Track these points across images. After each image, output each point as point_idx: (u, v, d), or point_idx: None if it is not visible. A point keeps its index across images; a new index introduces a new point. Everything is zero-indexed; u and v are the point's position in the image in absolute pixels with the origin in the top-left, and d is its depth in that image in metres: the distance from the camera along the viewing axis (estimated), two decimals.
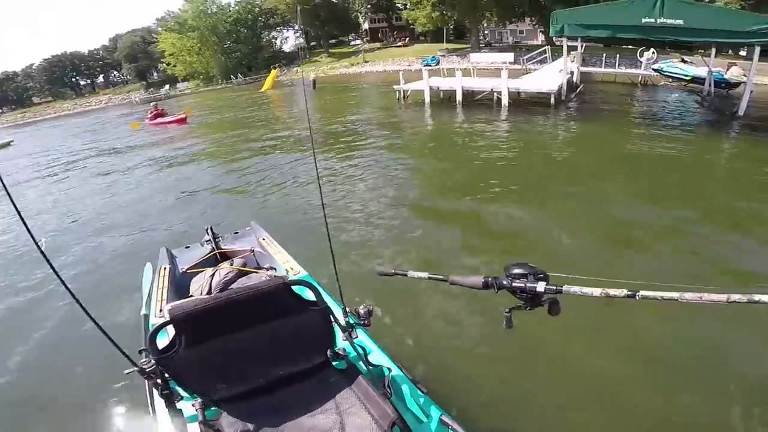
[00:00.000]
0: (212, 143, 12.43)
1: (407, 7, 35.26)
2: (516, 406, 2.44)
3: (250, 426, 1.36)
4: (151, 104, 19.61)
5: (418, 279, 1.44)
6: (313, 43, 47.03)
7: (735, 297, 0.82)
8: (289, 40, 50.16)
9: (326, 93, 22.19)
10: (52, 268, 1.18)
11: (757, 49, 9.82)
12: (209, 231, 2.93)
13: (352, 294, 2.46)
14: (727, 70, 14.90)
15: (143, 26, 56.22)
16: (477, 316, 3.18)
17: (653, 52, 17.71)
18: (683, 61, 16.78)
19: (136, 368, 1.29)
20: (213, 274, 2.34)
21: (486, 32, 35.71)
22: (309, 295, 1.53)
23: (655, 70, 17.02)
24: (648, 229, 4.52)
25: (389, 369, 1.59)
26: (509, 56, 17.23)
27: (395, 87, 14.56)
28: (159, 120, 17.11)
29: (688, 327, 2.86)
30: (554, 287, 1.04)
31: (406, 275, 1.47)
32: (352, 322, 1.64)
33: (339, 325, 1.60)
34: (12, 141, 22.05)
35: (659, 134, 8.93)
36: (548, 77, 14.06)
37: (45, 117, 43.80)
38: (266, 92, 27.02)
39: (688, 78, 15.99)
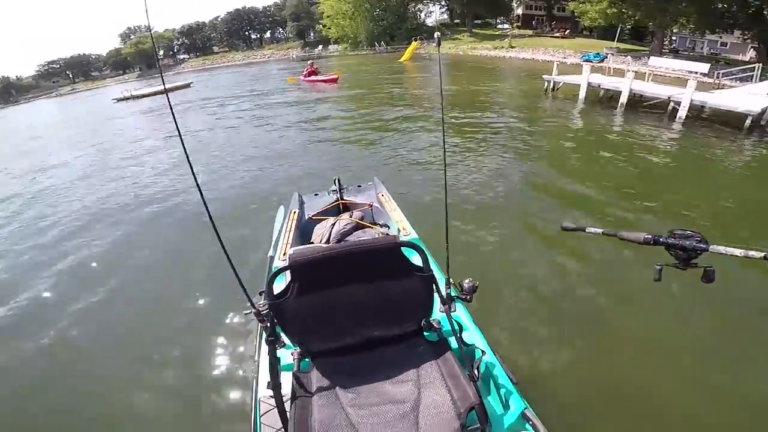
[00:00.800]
0: (354, 103, 13.43)
1: None
2: (604, 414, 2.29)
3: (334, 383, 1.38)
4: (308, 62, 21.79)
5: (594, 235, 1.43)
6: (456, 21, 46.14)
7: None
8: (434, 14, 50.08)
9: (462, 70, 21.77)
10: (205, 205, 1.25)
11: None
12: (336, 182, 3.08)
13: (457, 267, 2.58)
14: None
15: None
16: (578, 312, 3.09)
17: None
18: None
19: (253, 309, 1.32)
20: (334, 224, 2.46)
21: (674, 38, 30.19)
22: (416, 260, 1.49)
23: None
24: None
25: (482, 351, 1.51)
26: (703, 67, 14.37)
27: (545, 77, 13.59)
28: (313, 78, 18.95)
29: None
30: (702, 245, 1.10)
31: (584, 230, 1.46)
32: (453, 294, 1.55)
33: (440, 295, 1.53)
34: (192, 83, 27.06)
35: None
36: (749, 97, 11.34)
37: (220, 65, 52.61)
38: (404, 63, 27.69)
39: None
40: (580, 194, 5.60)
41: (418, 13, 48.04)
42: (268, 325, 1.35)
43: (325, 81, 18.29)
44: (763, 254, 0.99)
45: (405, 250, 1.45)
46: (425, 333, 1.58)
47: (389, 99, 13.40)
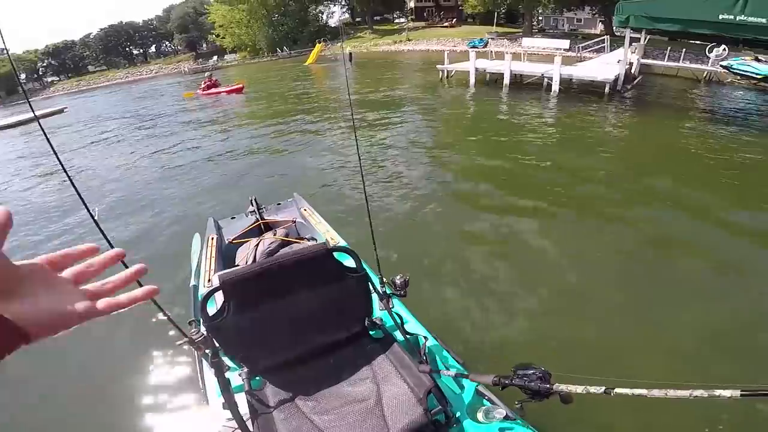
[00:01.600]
0: (262, 112, 12.91)
1: None
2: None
3: (291, 395, 1.38)
4: (206, 74, 19.95)
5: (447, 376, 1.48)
6: (357, 19, 46.75)
7: (697, 393, 0.90)
8: (335, 14, 50.04)
9: (367, 69, 22.17)
10: (106, 238, 1.22)
11: None
12: (253, 202, 2.98)
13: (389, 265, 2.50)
14: None
15: None
16: (506, 284, 3.36)
17: (724, 49, 16.34)
18: (757, 59, 15.41)
19: (186, 339, 1.30)
20: (257, 244, 2.39)
21: (540, 18, 34.10)
22: (349, 263, 1.53)
23: (723, 66, 15.76)
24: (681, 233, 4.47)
25: (425, 338, 1.60)
26: (564, 43, 16.47)
27: (438, 66, 14.39)
28: (213, 90, 17.45)
29: None
30: (546, 385, 1.13)
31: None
32: (388, 292, 1.64)
33: (377, 293, 1.60)
34: (65, 108, 23.08)
35: (722, 133, 8.37)
36: (605, 66, 13.37)
37: (99, 85, 46.22)
38: (310, 66, 27.34)
39: (759, 77, 14.72)
40: (487, 171, 6.14)
41: (320, 14, 47.61)
42: (207, 351, 1.32)
43: (229, 92, 16.94)
44: (603, 388, 1.03)
45: (337, 255, 1.48)
46: (371, 332, 1.63)
47: (299, 105, 13.03)
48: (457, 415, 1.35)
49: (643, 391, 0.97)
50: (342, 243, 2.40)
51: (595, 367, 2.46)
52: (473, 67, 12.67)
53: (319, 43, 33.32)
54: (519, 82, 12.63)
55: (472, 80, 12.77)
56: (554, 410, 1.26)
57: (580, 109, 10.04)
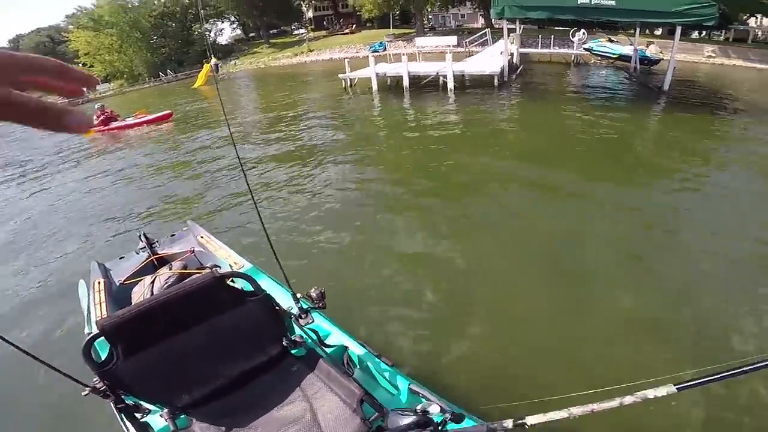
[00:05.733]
0: (146, 145, 11.21)
1: None
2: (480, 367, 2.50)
3: (223, 428, 1.33)
4: (96, 106, 15.26)
5: None
6: (252, 34, 44.61)
7: (627, 400, 0.85)
8: (225, 32, 47.22)
9: (268, 84, 21.09)
10: None
11: (679, 29, 10.65)
12: (143, 237, 2.83)
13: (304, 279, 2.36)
14: (647, 48, 16.11)
15: (51, 24, 50.13)
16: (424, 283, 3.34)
17: (584, 33, 18.72)
18: (610, 40, 17.91)
19: (88, 388, 1.25)
20: (153, 281, 2.29)
21: (430, 17, 35.93)
22: (251, 286, 1.50)
23: (585, 49, 18.02)
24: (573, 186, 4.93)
25: (346, 347, 1.62)
26: (452, 39, 17.35)
27: (340, 76, 14.03)
28: (117, 124, 13.61)
29: None
30: None
31: None
32: (305, 306, 1.63)
33: (288, 312, 1.58)
34: None
35: (596, 108, 9.36)
36: (490, 59, 14.31)
37: None
38: (200, 88, 24.99)
39: (615, 56, 17.10)
40: (395, 177, 5.97)
41: (207, 33, 44.33)
42: (111, 400, 1.29)
43: (153, 121, 13.12)
44: (511, 422, 1.03)
45: (239, 281, 1.49)
46: (293, 351, 1.61)
47: (189, 131, 11.63)
48: None
49: (562, 414, 0.89)
50: (247, 266, 2.35)
51: (520, 368, 2.48)
52: (373, 72, 12.57)
53: (206, 63, 30.56)
54: (418, 83, 12.90)
55: (374, 86, 12.63)
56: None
57: (476, 103, 10.49)
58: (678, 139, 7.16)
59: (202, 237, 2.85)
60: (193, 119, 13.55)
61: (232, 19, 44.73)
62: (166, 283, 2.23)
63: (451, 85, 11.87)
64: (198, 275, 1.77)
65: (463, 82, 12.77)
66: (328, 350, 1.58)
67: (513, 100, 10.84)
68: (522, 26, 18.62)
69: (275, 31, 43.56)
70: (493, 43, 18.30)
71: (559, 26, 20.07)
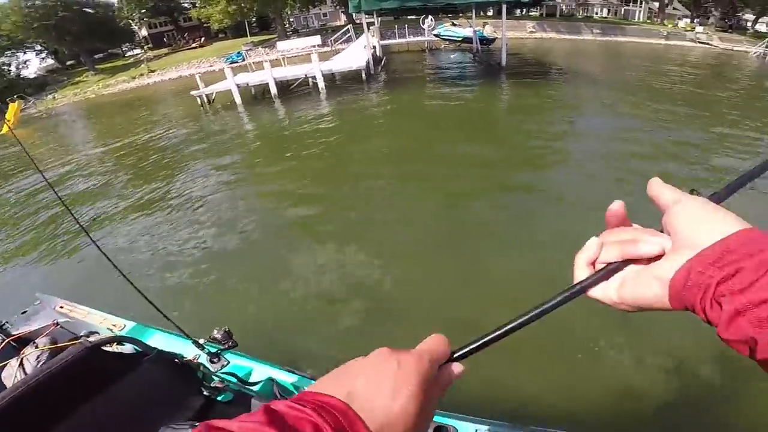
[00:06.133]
0: None
1: (196, 5, 31.66)
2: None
3: None
4: None
5: None
6: (70, 62, 37.70)
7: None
8: (31, 63, 38.76)
9: (104, 116, 17.73)
10: None
11: (504, 8, 12.46)
12: None
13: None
14: (483, 28, 18.50)
15: None
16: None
17: (431, 20, 20.60)
18: (453, 24, 20.08)
19: None
20: (21, 362, 2.01)
21: (291, 19, 35.22)
22: (138, 347, 1.41)
23: (435, 35, 19.89)
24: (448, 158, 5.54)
25: (273, 378, 1.57)
26: (317, 39, 17.35)
27: (193, 93, 12.41)
28: None
29: None
30: None
31: None
32: (215, 350, 1.53)
33: (196, 361, 1.49)
34: None
35: (452, 87, 10.46)
36: (355, 55, 14.77)
37: None
38: (9, 134, 18.40)
39: (459, 39, 19.24)
40: (275, 189, 5.64)
41: (6, 68, 35.69)
42: None
43: None
44: None
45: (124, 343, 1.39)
46: (219, 397, 1.53)
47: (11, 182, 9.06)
48: None
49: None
50: (130, 325, 2.20)
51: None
52: (233, 84, 11.76)
53: (13, 101, 23.96)
54: (287, 89, 12.64)
55: (237, 99, 11.75)
56: None
57: (350, 100, 10.76)
58: (522, 102, 8.55)
59: (62, 307, 2.59)
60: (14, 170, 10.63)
61: (38, 48, 37.17)
62: (38, 362, 1.99)
63: (321, 84, 11.93)
64: (72, 347, 1.58)
65: (333, 80, 12.95)
66: (255, 387, 1.53)
67: (382, 90, 11.42)
68: (379, 18, 19.66)
69: (101, 55, 37.63)
70: (357, 38, 18.94)
71: (410, 15, 21.73)
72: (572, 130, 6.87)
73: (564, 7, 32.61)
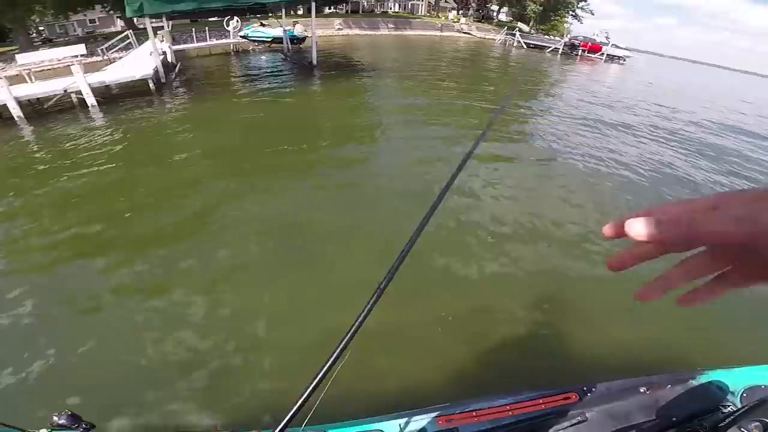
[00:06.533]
0: None
1: None
2: None
3: None
4: None
5: None
6: None
7: None
8: None
9: None
10: None
11: (314, 5, 12.10)
12: None
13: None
14: (294, 28, 18.05)
15: None
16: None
17: (237, 21, 18.93)
18: (262, 24, 18.93)
19: None
20: None
21: (41, 28, 27.36)
22: None
23: (242, 37, 18.40)
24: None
25: None
26: (80, 48, 13.67)
27: None
28: None
29: None
30: None
31: None
32: None
33: None
34: None
35: (263, 91, 9.60)
36: (138, 63, 12.20)
37: None
38: None
39: (269, 39, 18.32)
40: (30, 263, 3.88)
41: None
42: None
43: None
44: None
45: None
46: None
47: None
48: None
49: None
50: None
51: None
52: None
53: None
54: (40, 110, 9.45)
55: None
56: None
57: (136, 116, 8.67)
58: (337, 98, 8.43)
59: None
60: None
61: None
62: None
63: (91, 100, 9.30)
64: None
65: (110, 95, 10.34)
66: None
67: (178, 100, 9.67)
68: (170, 22, 16.84)
69: None
70: (140, 45, 15.83)
71: (212, 17, 19.47)
72: (378, 120, 7.43)
73: (365, 3, 36.38)
